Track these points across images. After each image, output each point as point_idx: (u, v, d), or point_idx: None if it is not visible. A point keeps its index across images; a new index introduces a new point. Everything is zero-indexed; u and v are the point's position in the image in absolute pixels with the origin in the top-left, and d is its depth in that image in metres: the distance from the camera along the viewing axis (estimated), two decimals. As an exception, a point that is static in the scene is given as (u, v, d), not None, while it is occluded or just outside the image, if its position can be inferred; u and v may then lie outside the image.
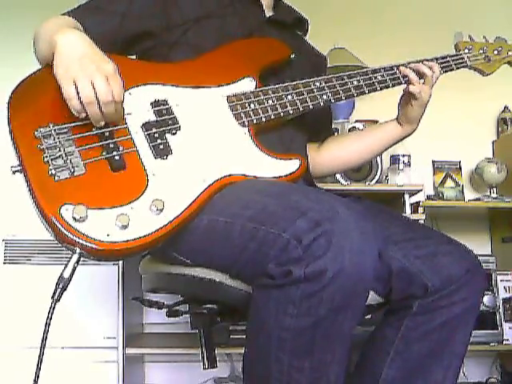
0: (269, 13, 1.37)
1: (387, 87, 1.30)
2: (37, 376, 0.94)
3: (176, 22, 1.23)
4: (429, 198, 2.50)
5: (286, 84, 1.20)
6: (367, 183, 2.32)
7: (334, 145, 1.44)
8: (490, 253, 2.65)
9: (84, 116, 0.99)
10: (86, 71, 0.97)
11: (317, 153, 1.44)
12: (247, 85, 1.19)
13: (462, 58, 1.40)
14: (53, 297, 0.94)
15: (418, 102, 1.29)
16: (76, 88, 0.97)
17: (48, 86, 1.02)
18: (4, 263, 2.16)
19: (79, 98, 0.97)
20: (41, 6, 2.48)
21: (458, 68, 1.38)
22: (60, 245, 0.95)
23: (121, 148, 1.02)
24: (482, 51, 1.43)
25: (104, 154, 1.00)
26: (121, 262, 2.08)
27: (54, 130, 1.00)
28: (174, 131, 1.08)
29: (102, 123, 1.01)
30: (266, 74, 1.24)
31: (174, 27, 1.23)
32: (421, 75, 1.30)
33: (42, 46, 1.10)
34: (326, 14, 2.64)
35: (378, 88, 1.29)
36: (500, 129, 2.75)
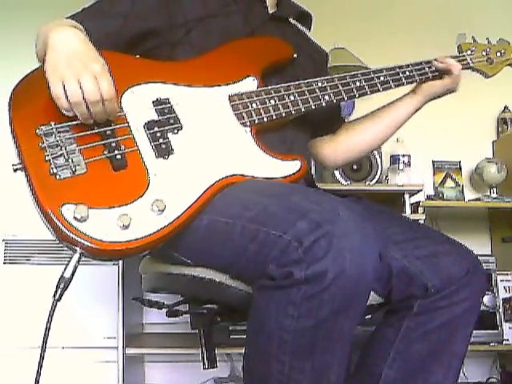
0: (272, 10, 1.37)
1: (389, 88, 1.30)
2: (38, 375, 0.94)
3: (179, 21, 1.23)
4: (429, 198, 2.50)
5: (288, 84, 1.20)
6: (367, 183, 2.32)
7: (352, 132, 1.45)
8: (490, 253, 2.65)
9: (72, 114, 0.99)
10: (73, 70, 0.97)
11: (333, 143, 1.45)
12: (249, 84, 1.19)
13: (465, 60, 1.40)
14: (54, 296, 0.94)
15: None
16: (64, 87, 0.97)
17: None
18: (4, 263, 2.16)
19: (67, 97, 0.97)
20: (41, 6, 2.50)
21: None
22: (60, 244, 0.95)
23: (122, 147, 1.02)
24: (484, 53, 1.43)
25: (105, 153, 1.00)
26: (121, 262, 2.07)
27: (56, 128, 1.00)
28: (175, 130, 1.07)
29: (90, 121, 1.00)
30: (268, 72, 1.24)
31: (177, 27, 1.22)
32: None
33: (40, 44, 1.10)
34: (326, 14, 2.63)
35: (380, 89, 1.29)
36: (500, 129, 2.75)
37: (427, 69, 1.35)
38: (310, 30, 1.46)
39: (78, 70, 0.97)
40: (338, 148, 1.45)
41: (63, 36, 1.03)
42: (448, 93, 1.38)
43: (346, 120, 1.52)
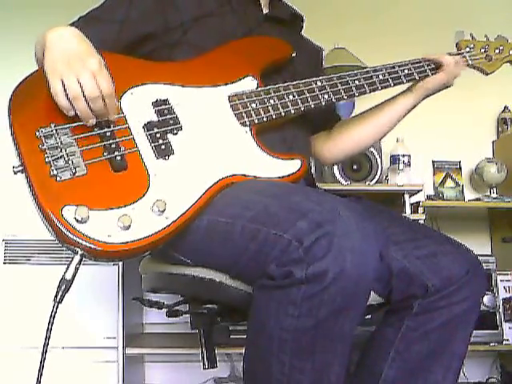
0: (265, 10, 1.37)
1: (389, 86, 1.30)
2: (39, 379, 0.94)
3: (175, 22, 1.23)
4: (429, 198, 2.50)
5: (288, 83, 1.20)
6: (367, 183, 2.32)
7: (348, 129, 1.44)
8: (489, 253, 2.65)
9: (73, 113, 0.99)
10: (71, 68, 0.98)
11: (329, 140, 1.45)
12: (249, 84, 1.19)
13: (464, 57, 1.40)
14: (55, 299, 0.94)
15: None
16: (63, 85, 0.97)
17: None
18: (4, 263, 2.16)
19: (66, 95, 0.97)
20: (41, 6, 2.49)
21: None
22: (61, 245, 0.95)
23: (122, 148, 1.02)
24: (483, 50, 1.42)
25: (105, 154, 1.00)
26: (121, 263, 2.07)
27: (56, 130, 1.00)
28: (175, 131, 1.08)
29: (93, 121, 1.00)
30: (267, 72, 1.24)
31: (174, 28, 1.23)
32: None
33: (38, 47, 1.10)
34: (326, 14, 2.64)
35: (380, 87, 1.29)
36: (500, 129, 2.75)
37: (426, 66, 1.35)
38: (301, 31, 1.46)
39: (76, 68, 0.98)
40: (334, 145, 1.45)
41: (59, 34, 1.03)
42: (444, 88, 1.37)
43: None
